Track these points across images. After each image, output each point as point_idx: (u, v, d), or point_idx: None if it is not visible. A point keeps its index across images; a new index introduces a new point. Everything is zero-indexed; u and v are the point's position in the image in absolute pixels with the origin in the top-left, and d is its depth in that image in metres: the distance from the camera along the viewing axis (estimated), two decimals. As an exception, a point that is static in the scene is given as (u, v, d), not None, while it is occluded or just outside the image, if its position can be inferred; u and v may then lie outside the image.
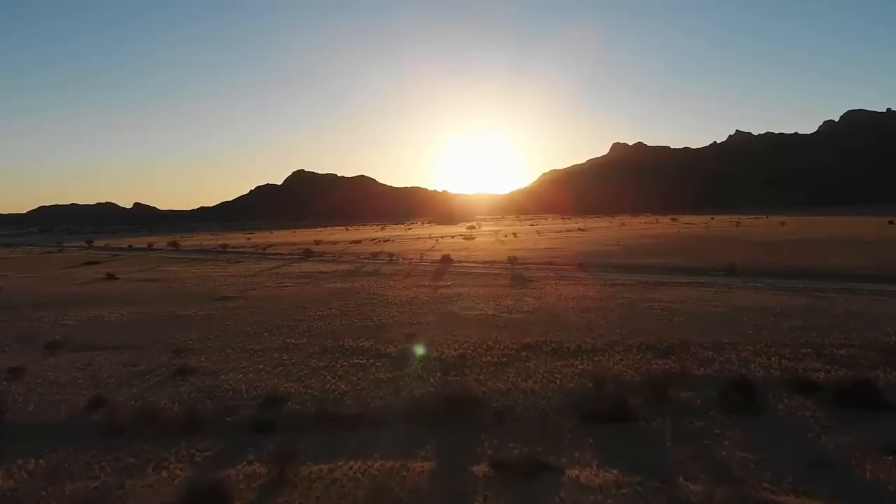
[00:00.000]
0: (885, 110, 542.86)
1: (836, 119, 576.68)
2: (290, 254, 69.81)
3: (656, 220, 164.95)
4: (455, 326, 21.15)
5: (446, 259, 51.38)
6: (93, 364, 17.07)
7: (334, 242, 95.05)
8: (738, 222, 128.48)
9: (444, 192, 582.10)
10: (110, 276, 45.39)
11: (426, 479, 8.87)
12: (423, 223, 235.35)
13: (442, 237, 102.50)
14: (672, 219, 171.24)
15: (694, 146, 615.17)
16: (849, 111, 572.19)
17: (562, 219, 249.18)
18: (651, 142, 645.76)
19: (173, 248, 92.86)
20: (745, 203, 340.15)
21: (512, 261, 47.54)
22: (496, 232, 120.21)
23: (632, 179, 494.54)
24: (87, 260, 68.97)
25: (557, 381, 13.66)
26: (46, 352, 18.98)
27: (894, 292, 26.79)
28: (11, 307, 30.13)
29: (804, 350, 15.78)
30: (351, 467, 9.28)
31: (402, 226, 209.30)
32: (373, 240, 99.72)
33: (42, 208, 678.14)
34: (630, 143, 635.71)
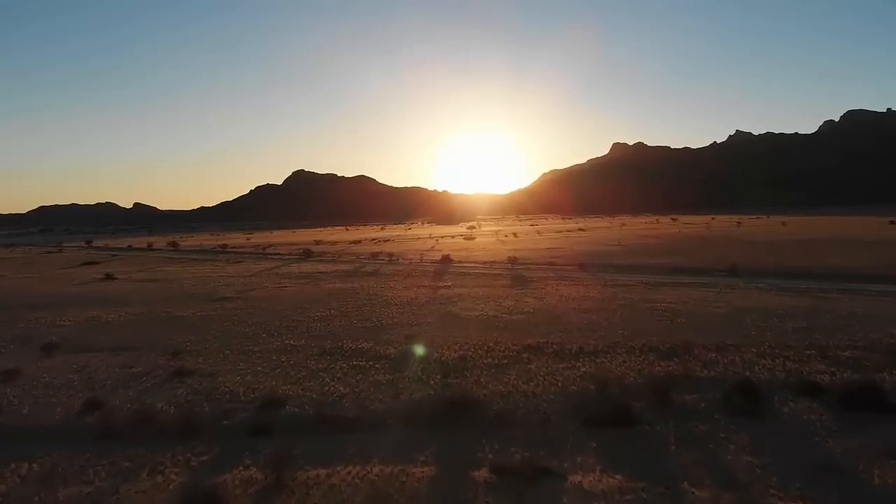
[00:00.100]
0: (885, 110, 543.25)
1: (837, 119, 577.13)
2: (290, 254, 69.59)
3: (657, 220, 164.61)
4: (455, 327, 20.97)
5: (446, 259, 51.18)
6: (89, 366, 16.90)
7: (334, 242, 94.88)
8: (739, 222, 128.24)
9: (444, 192, 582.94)
10: (109, 277, 45.20)
11: (426, 485, 8.71)
12: (423, 223, 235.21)
13: (442, 237, 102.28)
14: (672, 219, 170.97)
15: (694, 146, 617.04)
16: (849, 111, 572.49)
17: (562, 219, 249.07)
18: (651, 142, 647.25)
19: (173, 249, 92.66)
20: (746, 203, 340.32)
21: (512, 261, 47.34)
22: (496, 232, 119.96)
23: (632, 179, 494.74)
24: (86, 260, 68.77)
25: (559, 384, 13.48)
26: (43, 353, 18.78)
27: (897, 293, 26.61)
28: (9, 307, 29.95)
29: (808, 352, 15.56)
30: (349, 472, 9.12)
31: (402, 226, 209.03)
32: (373, 240, 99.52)
33: (42, 208, 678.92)
34: (630, 143, 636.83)
